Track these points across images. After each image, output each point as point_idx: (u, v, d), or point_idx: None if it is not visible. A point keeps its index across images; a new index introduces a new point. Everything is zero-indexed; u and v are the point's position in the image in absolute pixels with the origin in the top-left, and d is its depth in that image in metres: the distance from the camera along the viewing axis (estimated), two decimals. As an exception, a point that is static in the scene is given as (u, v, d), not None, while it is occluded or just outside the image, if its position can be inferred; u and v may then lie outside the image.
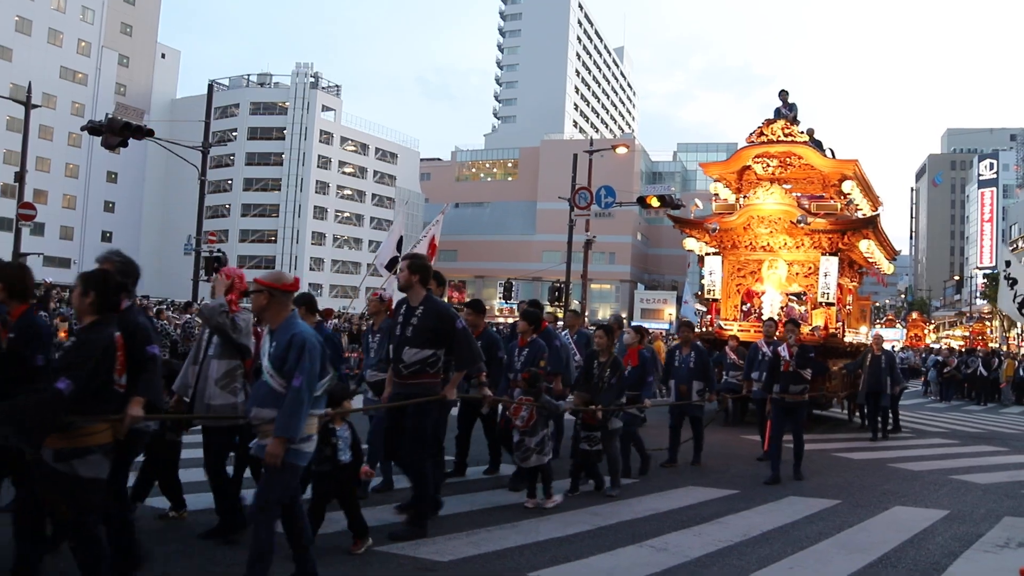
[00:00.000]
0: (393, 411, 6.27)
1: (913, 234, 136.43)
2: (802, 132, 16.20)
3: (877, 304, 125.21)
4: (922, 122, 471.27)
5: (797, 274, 16.13)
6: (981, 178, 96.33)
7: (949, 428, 17.24)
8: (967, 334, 59.21)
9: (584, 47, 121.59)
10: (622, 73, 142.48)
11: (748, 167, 16.61)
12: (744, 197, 16.36)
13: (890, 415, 14.93)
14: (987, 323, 62.87)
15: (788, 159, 16.08)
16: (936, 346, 50.61)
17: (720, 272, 16.71)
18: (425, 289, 6.24)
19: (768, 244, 16.13)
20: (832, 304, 15.55)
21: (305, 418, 4.52)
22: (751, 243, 16.34)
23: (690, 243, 17.48)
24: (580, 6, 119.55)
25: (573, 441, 7.95)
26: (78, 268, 68.64)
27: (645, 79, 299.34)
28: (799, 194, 16.06)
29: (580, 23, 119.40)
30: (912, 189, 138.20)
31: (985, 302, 69.21)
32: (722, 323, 16.47)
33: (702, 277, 19.06)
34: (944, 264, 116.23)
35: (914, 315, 67.88)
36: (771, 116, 16.65)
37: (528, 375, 7.51)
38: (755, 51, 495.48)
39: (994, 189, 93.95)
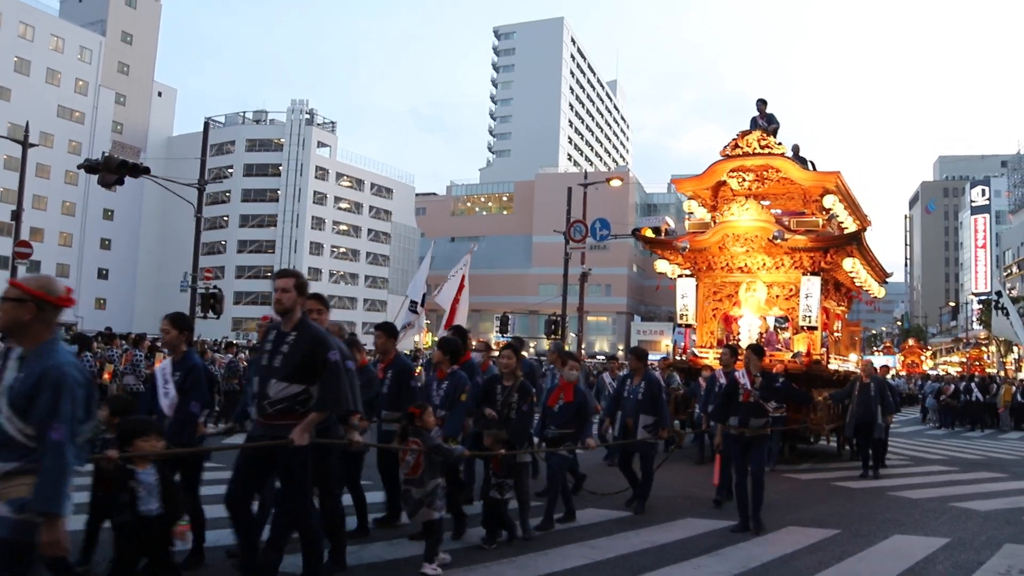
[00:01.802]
0: (253, 459, 5.24)
1: (908, 261, 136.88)
2: (779, 143, 15.15)
3: (873, 332, 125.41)
4: (914, 150, 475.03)
5: (777, 297, 15.09)
6: (974, 204, 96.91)
7: (948, 455, 17.18)
8: (964, 360, 59.22)
9: (577, 80, 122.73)
10: (615, 106, 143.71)
11: (723, 182, 15.62)
12: (720, 215, 15.32)
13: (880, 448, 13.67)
14: (984, 349, 62.86)
15: (765, 172, 15.10)
16: (934, 372, 50.58)
17: (694, 295, 15.68)
18: (302, 312, 5.34)
19: (745, 265, 15.08)
20: (815, 328, 14.37)
21: (70, 481, 3.35)
22: (727, 264, 15.29)
23: (662, 265, 16.41)
24: (573, 40, 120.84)
25: (483, 487, 7.04)
26: (75, 306, 68.52)
27: (638, 111, 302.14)
28: (779, 211, 15.15)
29: (573, 57, 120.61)
30: (906, 217, 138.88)
31: (981, 328, 69.25)
32: (696, 351, 15.43)
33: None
34: (939, 291, 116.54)
35: (910, 342, 67.85)
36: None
37: (416, 411, 6.34)
38: (747, 81, 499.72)
39: (987, 215, 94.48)
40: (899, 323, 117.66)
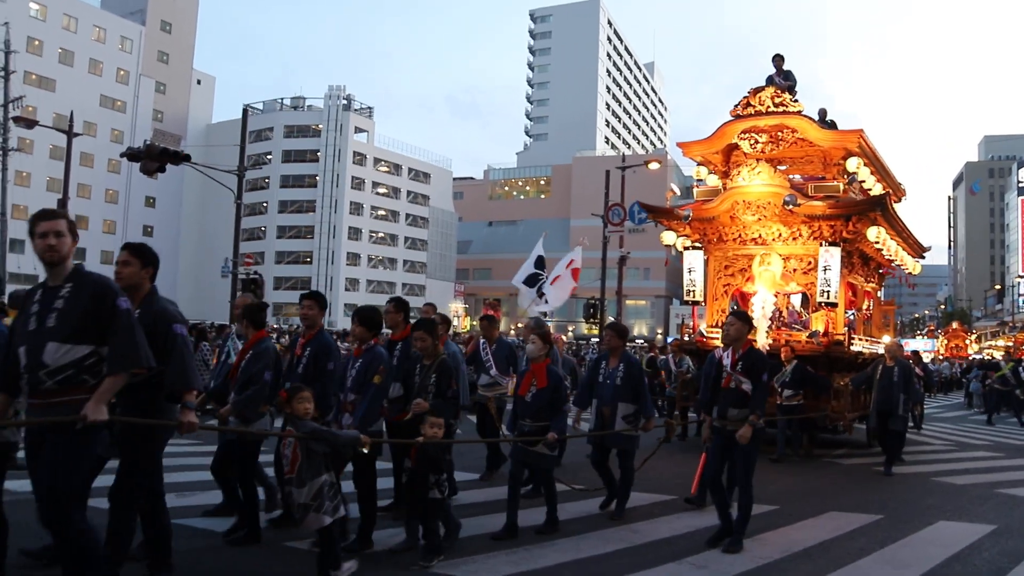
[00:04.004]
0: (30, 449, 4.21)
1: (952, 243, 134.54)
2: (796, 100, 13.65)
3: (916, 315, 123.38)
4: (959, 130, 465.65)
5: (795, 270, 13.59)
6: (1020, 185, 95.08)
7: (994, 440, 16.90)
8: (1010, 344, 58.14)
9: (614, 63, 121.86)
10: (653, 88, 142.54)
11: (735, 146, 14.05)
12: (730, 181, 14.01)
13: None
14: (1031, 333, 61.67)
15: (780, 133, 13.54)
16: (978, 357, 49.73)
17: (702, 270, 14.45)
18: (73, 263, 4.32)
19: (759, 235, 13.75)
20: (834, 305, 13.00)
21: None
22: (739, 235, 13.96)
23: (668, 237, 15.10)
24: (610, 22, 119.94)
25: (413, 485, 5.92)
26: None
27: (676, 93, 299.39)
28: (798, 176, 13.84)
29: (610, 39, 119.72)
30: (950, 198, 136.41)
31: (1029, 311, 67.96)
32: (705, 331, 14.14)
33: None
34: (984, 273, 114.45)
35: (954, 325, 66.69)
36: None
37: (285, 393, 5.19)
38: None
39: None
40: (942, 306, 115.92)
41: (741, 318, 7.09)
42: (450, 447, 6.11)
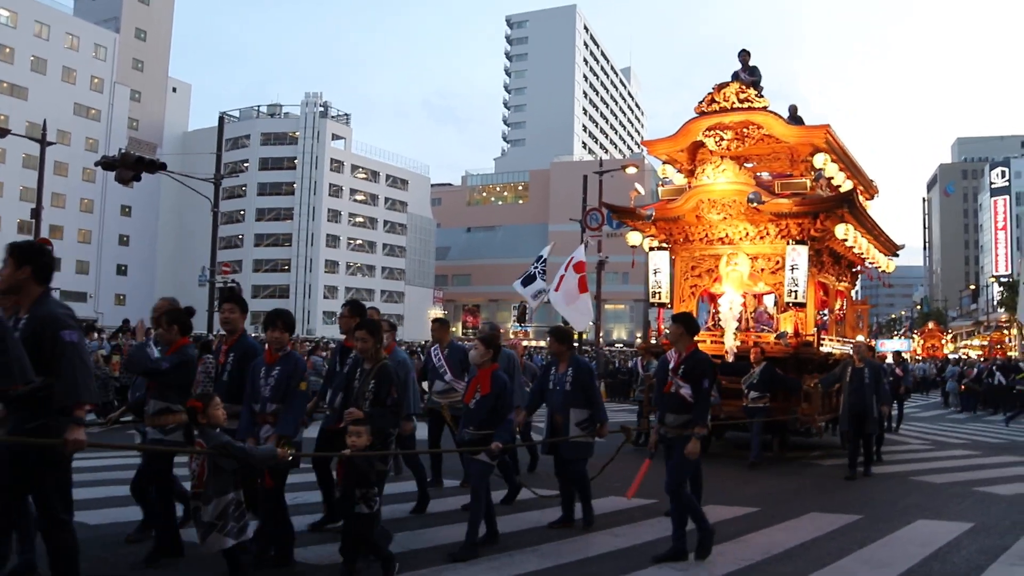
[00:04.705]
0: None
1: (927, 244, 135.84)
2: (760, 96, 13.38)
3: (892, 316, 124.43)
4: (932, 132, 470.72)
5: (763, 270, 13.26)
6: (993, 186, 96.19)
7: (971, 439, 17.07)
8: (985, 343, 58.83)
9: (591, 68, 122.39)
10: (629, 93, 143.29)
11: (700, 143, 13.71)
12: (695, 179, 13.75)
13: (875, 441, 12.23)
14: (1005, 332, 62.40)
15: (745, 130, 13.24)
16: (954, 356, 50.27)
17: (668, 271, 14.18)
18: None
19: (726, 235, 13.45)
20: (802, 304, 12.68)
21: None
22: (705, 234, 13.66)
23: (634, 237, 14.69)
24: (586, 28, 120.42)
25: (343, 500, 5.54)
26: (94, 302, 69.39)
27: (654, 99, 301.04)
28: (766, 174, 13.60)
29: (586, 45, 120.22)
30: (924, 199, 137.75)
31: (1002, 311, 68.73)
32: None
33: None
34: (959, 274, 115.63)
35: (930, 325, 67.37)
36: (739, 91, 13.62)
37: (197, 404, 4.90)
38: (761, 65, 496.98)
39: (1007, 197, 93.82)
40: (918, 306, 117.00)
41: (678, 320, 6.77)
42: (382, 459, 5.72)
